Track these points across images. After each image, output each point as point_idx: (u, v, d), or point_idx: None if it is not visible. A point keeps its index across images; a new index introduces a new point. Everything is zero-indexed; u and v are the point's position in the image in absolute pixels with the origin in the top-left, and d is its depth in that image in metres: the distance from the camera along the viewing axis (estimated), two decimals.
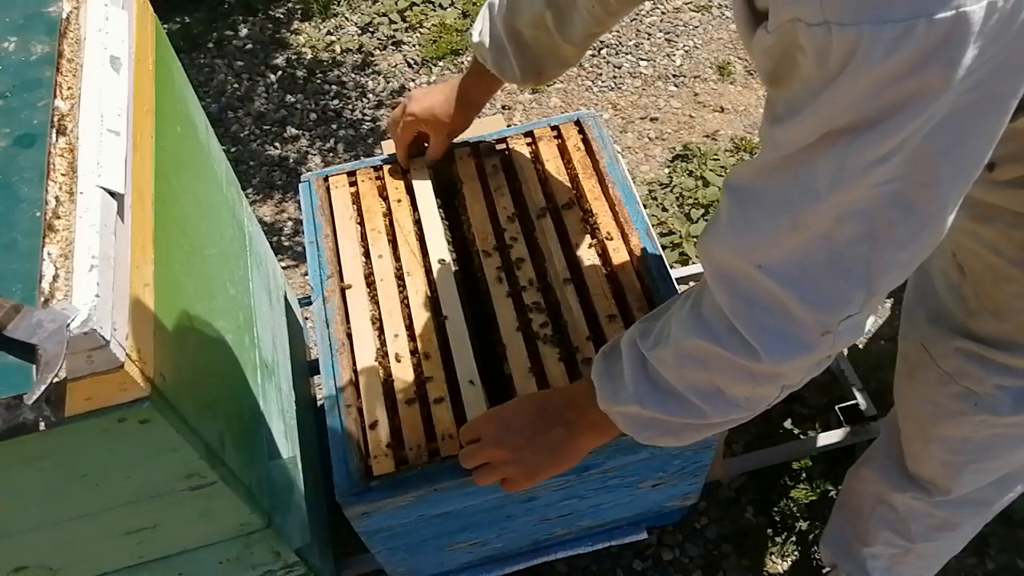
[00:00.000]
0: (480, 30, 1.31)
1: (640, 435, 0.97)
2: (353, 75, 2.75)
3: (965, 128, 0.64)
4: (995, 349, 1.08)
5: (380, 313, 1.31)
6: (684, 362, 0.88)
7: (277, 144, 2.58)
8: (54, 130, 0.86)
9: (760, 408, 0.90)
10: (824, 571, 1.71)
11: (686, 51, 2.74)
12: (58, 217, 0.80)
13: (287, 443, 1.41)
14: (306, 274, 2.03)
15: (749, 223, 0.76)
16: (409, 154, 1.46)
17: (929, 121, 0.63)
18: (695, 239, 2.24)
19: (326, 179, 1.48)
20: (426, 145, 1.47)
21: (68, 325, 0.72)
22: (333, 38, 2.85)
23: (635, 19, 2.85)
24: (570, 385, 1.18)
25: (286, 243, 2.35)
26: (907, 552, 1.47)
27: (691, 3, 2.88)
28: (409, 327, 1.29)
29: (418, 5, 2.91)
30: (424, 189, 1.45)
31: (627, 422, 0.97)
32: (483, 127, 1.54)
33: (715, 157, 2.42)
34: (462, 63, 2.74)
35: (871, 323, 0.81)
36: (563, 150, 1.49)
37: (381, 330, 1.29)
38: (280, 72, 2.76)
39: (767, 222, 0.74)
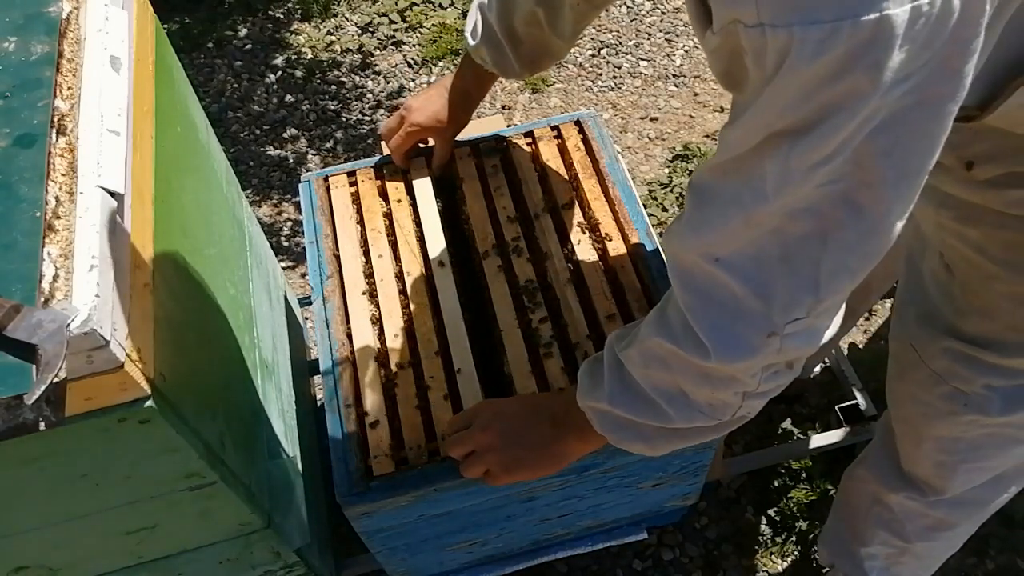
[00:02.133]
0: (473, 30, 1.32)
1: (613, 436, 0.98)
2: (353, 75, 2.75)
3: (905, 130, 0.65)
4: (984, 349, 1.08)
5: (380, 313, 1.31)
6: (648, 362, 0.89)
7: (277, 144, 2.58)
8: (54, 130, 0.86)
9: (723, 417, 0.89)
10: (823, 572, 1.71)
11: (686, 51, 2.74)
12: (58, 217, 0.80)
13: (287, 443, 1.41)
14: (306, 274, 2.03)
15: (705, 220, 0.77)
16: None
17: (868, 122, 0.63)
18: None
19: (326, 179, 1.48)
20: (421, 145, 1.47)
21: (68, 325, 0.72)
22: (333, 38, 2.85)
23: (635, 19, 2.85)
24: (567, 387, 1.19)
25: (286, 243, 2.35)
26: (903, 552, 1.48)
27: None
28: (409, 327, 1.29)
29: (418, 5, 2.91)
30: (424, 189, 1.45)
31: (600, 420, 0.98)
32: (483, 127, 1.54)
33: None
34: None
35: (829, 334, 0.82)
36: (563, 150, 1.49)
37: (381, 330, 1.29)
38: (280, 72, 2.76)
39: (721, 220, 0.75)
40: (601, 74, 2.70)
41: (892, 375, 1.29)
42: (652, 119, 2.57)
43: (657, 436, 0.95)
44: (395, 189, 1.46)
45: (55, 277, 0.76)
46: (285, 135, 2.59)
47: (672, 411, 0.90)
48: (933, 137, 0.67)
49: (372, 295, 1.33)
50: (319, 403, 1.87)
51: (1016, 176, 0.93)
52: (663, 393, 0.90)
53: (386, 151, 1.57)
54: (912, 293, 1.21)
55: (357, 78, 2.74)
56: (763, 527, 1.81)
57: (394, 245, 1.39)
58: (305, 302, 1.93)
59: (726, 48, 0.67)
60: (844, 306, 0.82)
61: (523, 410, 1.11)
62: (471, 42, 1.33)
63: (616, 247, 1.35)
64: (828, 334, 0.81)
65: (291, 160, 2.53)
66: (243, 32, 2.88)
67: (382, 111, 2.64)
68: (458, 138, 1.47)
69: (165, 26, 1.56)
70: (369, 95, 2.69)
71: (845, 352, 1.98)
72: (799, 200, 0.70)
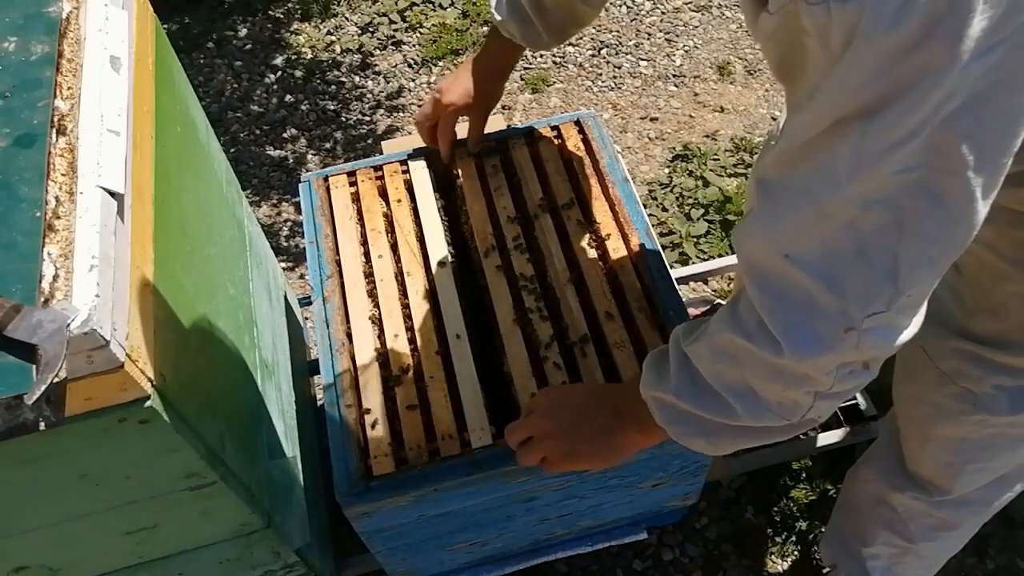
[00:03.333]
0: (499, 4, 1.32)
1: (674, 429, 0.95)
2: (353, 75, 2.74)
3: (987, 112, 0.62)
4: (993, 348, 1.08)
5: (380, 313, 1.31)
6: (718, 357, 0.87)
7: (276, 144, 2.57)
8: (54, 130, 0.86)
9: (792, 417, 0.87)
10: (824, 571, 1.71)
11: (686, 51, 2.74)
12: (58, 217, 0.80)
13: (287, 443, 1.41)
14: (306, 274, 2.03)
15: (776, 214, 0.74)
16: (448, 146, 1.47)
17: (947, 101, 0.61)
18: (695, 239, 2.24)
19: (326, 179, 1.48)
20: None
21: (68, 325, 0.72)
22: (333, 38, 2.85)
23: (635, 19, 2.85)
24: (631, 379, 1.17)
25: (286, 243, 2.35)
26: (906, 552, 1.47)
27: (691, 3, 2.88)
28: (409, 327, 1.29)
29: (418, 5, 2.91)
30: (424, 189, 1.45)
31: (663, 413, 0.95)
32: None
33: (715, 157, 2.42)
34: (462, 63, 2.74)
35: (909, 333, 0.79)
36: (563, 150, 1.49)
37: (381, 330, 1.29)
38: (280, 72, 2.76)
39: (792, 213, 0.72)
40: (601, 74, 2.70)
41: (899, 375, 1.29)
42: (652, 119, 2.57)
43: (721, 433, 0.92)
44: (395, 189, 1.46)
45: (55, 277, 0.76)
46: (285, 135, 2.59)
47: (739, 408, 0.87)
48: (1017, 118, 0.64)
49: (372, 295, 1.33)
50: (319, 403, 1.87)
51: None
52: (731, 390, 0.87)
53: (387, 151, 1.57)
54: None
55: (357, 78, 2.73)
56: (763, 527, 1.81)
57: (394, 245, 1.39)
58: (305, 302, 1.93)
59: (785, 31, 0.64)
60: (925, 305, 0.78)
61: (586, 398, 1.08)
62: (497, 17, 1.32)
63: (616, 247, 1.35)
64: (908, 333, 0.78)
65: (291, 160, 2.53)
66: (243, 32, 2.88)
67: (382, 111, 2.64)
68: (458, 138, 1.47)
69: (165, 26, 1.56)
70: (369, 95, 2.69)
71: None
72: (874, 189, 0.67)
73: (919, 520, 1.40)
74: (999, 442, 1.21)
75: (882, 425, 1.45)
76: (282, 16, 2.92)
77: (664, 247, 2.22)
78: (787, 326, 0.77)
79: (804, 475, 1.84)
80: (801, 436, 1.89)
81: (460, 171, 1.47)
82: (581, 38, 2.78)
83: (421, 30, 2.84)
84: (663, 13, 2.86)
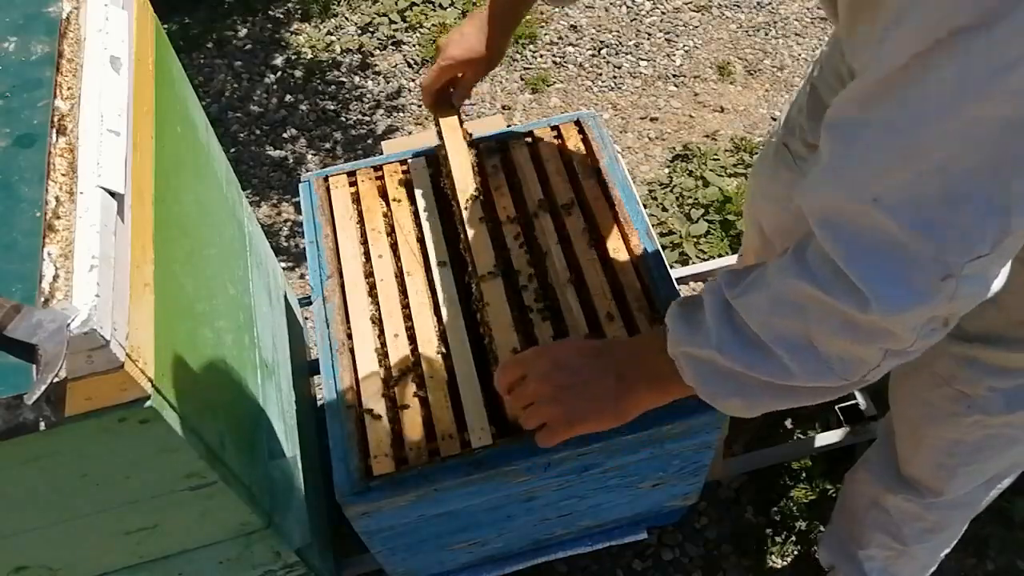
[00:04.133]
0: None
1: (707, 388, 0.87)
2: (352, 75, 2.74)
3: None
4: (987, 347, 1.06)
5: (380, 313, 1.31)
6: (778, 308, 0.78)
7: (276, 144, 2.58)
8: (54, 130, 0.86)
9: (851, 377, 0.80)
10: (824, 573, 1.71)
11: (686, 51, 2.74)
12: (58, 217, 0.80)
13: (287, 443, 1.41)
14: (306, 274, 2.03)
15: (852, 158, 0.68)
16: (436, 101, 1.40)
17: None
18: (695, 239, 2.24)
19: (326, 179, 1.48)
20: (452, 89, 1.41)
21: (68, 325, 0.72)
22: (333, 38, 2.85)
23: (635, 19, 2.85)
24: (631, 337, 1.10)
25: (285, 243, 2.35)
26: (901, 554, 1.49)
27: (691, 3, 2.88)
28: (409, 327, 1.29)
29: (418, 5, 2.91)
30: (424, 189, 1.45)
31: (697, 370, 0.87)
32: (483, 127, 1.54)
33: (715, 157, 2.42)
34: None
35: (998, 284, 0.71)
36: (563, 150, 1.49)
37: (381, 330, 1.29)
38: (280, 72, 2.76)
39: (874, 154, 0.66)
40: (601, 74, 2.70)
41: (895, 375, 1.29)
42: (652, 119, 2.57)
43: (761, 393, 0.84)
44: (395, 189, 1.46)
45: (55, 277, 0.76)
46: (285, 135, 2.59)
47: (794, 364, 0.79)
48: None
49: (372, 295, 1.33)
50: (319, 403, 1.87)
51: None
52: (788, 343, 0.79)
53: (387, 151, 1.57)
54: None
55: (357, 78, 2.73)
56: (763, 527, 1.81)
57: (394, 245, 1.39)
58: (305, 302, 1.93)
59: None
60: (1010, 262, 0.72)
61: (584, 360, 0.98)
62: None
63: (616, 247, 1.35)
64: (999, 281, 0.72)
65: (291, 160, 2.53)
66: (243, 32, 2.88)
67: (381, 111, 2.64)
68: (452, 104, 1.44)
69: (165, 26, 1.56)
70: (369, 95, 2.69)
71: None
72: (978, 118, 0.60)
73: (911, 523, 1.41)
74: (993, 444, 1.21)
75: (880, 427, 1.45)
76: (282, 16, 2.92)
77: (664, 247, 2.22)
78: (875, 278, 0.70)
79: (804, 475, 1.84)
80: (801, 436, 1.89)
81: (442, 125, 1.40)
82: (581, 38, 2.79)
83: (421, 30, 2.84)
84: (663, 13, 2.86)
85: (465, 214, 1.31)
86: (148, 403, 0.81)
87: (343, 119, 2.63)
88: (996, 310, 1.05)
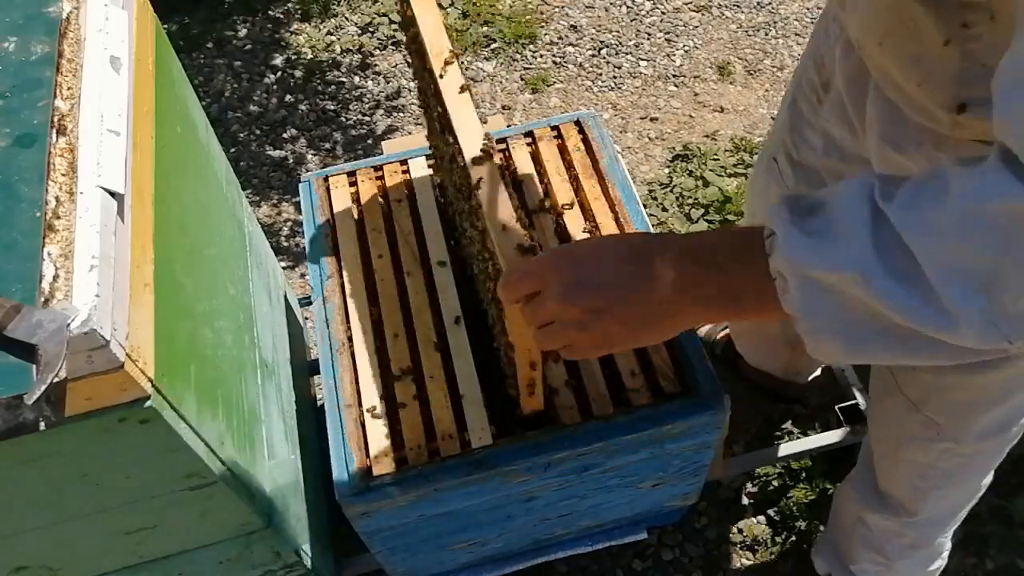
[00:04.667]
0: None
1: (813, 321, 0.67)
2: (352, 76, 2.74)
3: None
4: (953, 370, 1.05)
5: (380, 313, 1.31)
6: (966, 230, 0.59)
7: (276, 144, 2.57)
8: (54, 130, 0.86)
9: (1018, 341, 0.61)
10: None
11: (686, 51, 2.74)
12: (58, 217, 0.80)
13: (287, 443, 1.41)
14: (306, 274, 2.03)
15: None
16: None
17: None
18: None
19: (326, 179, 1.48)
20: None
21: (68, 325, 0.72)
22: (333, 38, 2.85)
23: (635, 19, 2.85)
24: (690, 235, 0.85)
25: (286, 243, 2.35)
26: (889, 568, 1.51)
27: (691, 3, 2.88)
28: (409, 327, 1.29)
29: None
30: (424, 189, 1.45)
31: (811, 299, 0.66)
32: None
33: (715, 157, 2.42)
34: (461, 63, 2.74)
35: None
36: (563, 150, 1.49)
37: (381, 330, 1.29)
38: (280, 72, 2.76)
39: None
40: (601, 74, 2.70)
41: (873, 396, 1.30)
42: (652, 119, 2.57)
43: (878, 340, 0.66)
44: (395, 189, 1.46)
45: (55, 277, 0.76)
46: (285, 135, 2.59)
47: (963, 313, 0.60)
48: None
49: (372, 295, 1.33)
50: (319, 403, 1.87)
51: None
52: (964, 282, 0.59)
53: (387, 151, 1.57)
54: None
55: (357, 78, 2.73)
56: (763, 527, 1.81)
57: (394, 245, 1.39)
58: (305, 302, 1.93)
59: None
60: None
61: (620, 270, 0.75)
62: None
63: None
64: None
65: (291, 160, 2.53)
66: (243, 32, 2.88)
67: (381, 111, 2.64)
68: None
69: (165, 26, 1.56)
70: (369, 95, 2.69)
71: None
72: None
73: (893, 540, 1.44)
74: (964, 471, 1.23)
75: (863, 446, 1.45)
76: (282, 16, 2.92)
77: None
78: None
79: (804, 475, 1.84)
80: (801, 436, 1.89)
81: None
82: (581, 38, 2.79)
83: None
84: (663, 13, 2.86)
85: (443, 83, 1.09)
86: (148, 403, 0.81)
87: (343, 119, 2.63)
88: None
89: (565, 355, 0.82)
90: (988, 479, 1.31)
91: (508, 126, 1.56)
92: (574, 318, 0.77)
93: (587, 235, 1.37)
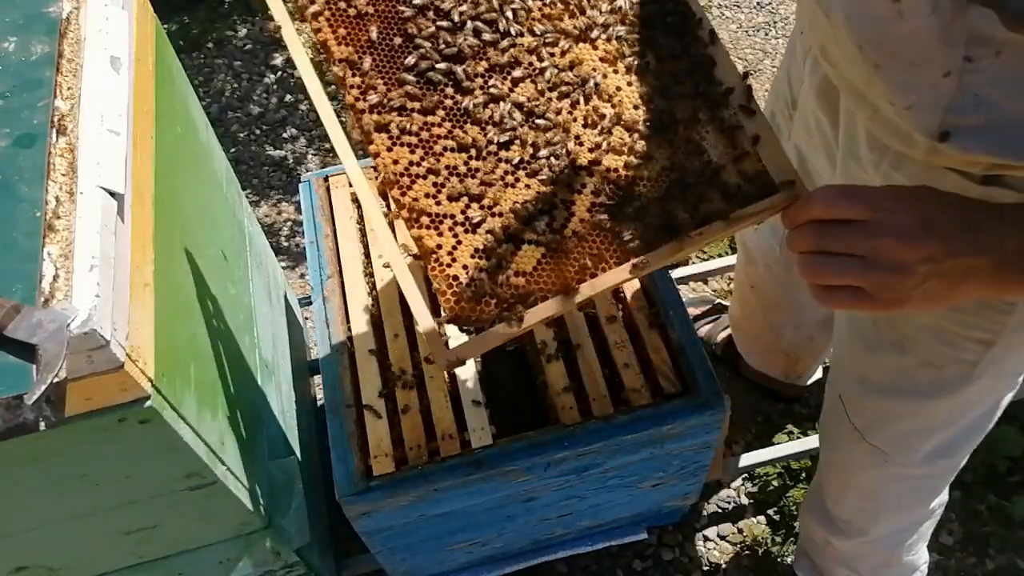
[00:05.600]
0: None
1: None
2: None
3: None
4: (897, 397, 1.05)
5: (380, 313, 1.31)
6: None
7: (276, 144, 2.57)
8: (54, 130, 0.86)
9: None
10: None
11: None
12: (58, 217, 0.80)
13: (287, 443, 1.41)
14: (306, 274, 2.03)
15: None
16: None
17: None
18: None
19: (326, 179, 1.48)
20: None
21: (68, 325, 0.72)
22: None
23: None
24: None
25: (286, 243, 2.35)
26: None
27: None
28: (409, 327, 1.29)
29: None
30: None
31: None
32: None
33: None
34: None
35: None
36: None
37: (381, 330, 1.29)
38: (279, 72, 2.76)
39: None
40: None
41: (822, 423, 1.31)
42: None
43: None
44: None
45: (55, 277, 0.76)
46: (285, 135, 2.59)
47: None
48: None
49: (372, 295, 1.33)
50: (319, 403, 1.87)
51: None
52: None
53: None
54: (838, 338, 1.19)
55: None
56: (763, 527, 1.81)
57: None
58: (305, 302, 1.93)
59: None
60: None
61: (961, 233, 0.68)
62: None
63: None
64: None
65: (291, 160, 2.53)
66: (243, 32, 2.88)
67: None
68: None
69: (165, 26, 1.56)
70: None
71: None
72: None
73: (866, 559, 1.45)
74: (913, 495, 1.25)
75: (817, 471, 1.46)
76: None
77: None
78: None
79: (804, 475, 1.84)
80: (801, 436, 1.89)
81: None
82: None
83: None
84: None
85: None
86: (148, 403, 0.81)
87: (343, 119, 2.63)
88: (902, 355, 1.03)
89: (849, 304, 0.72)
90: (943, 498, 1.31)
91: None
92: (901, 263, 0.67)
93: None
